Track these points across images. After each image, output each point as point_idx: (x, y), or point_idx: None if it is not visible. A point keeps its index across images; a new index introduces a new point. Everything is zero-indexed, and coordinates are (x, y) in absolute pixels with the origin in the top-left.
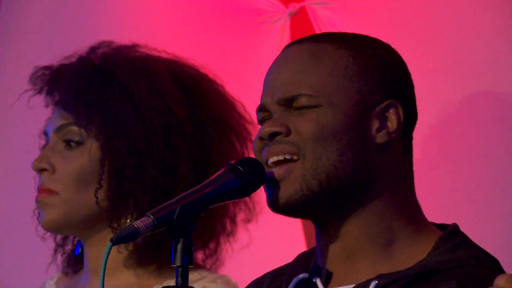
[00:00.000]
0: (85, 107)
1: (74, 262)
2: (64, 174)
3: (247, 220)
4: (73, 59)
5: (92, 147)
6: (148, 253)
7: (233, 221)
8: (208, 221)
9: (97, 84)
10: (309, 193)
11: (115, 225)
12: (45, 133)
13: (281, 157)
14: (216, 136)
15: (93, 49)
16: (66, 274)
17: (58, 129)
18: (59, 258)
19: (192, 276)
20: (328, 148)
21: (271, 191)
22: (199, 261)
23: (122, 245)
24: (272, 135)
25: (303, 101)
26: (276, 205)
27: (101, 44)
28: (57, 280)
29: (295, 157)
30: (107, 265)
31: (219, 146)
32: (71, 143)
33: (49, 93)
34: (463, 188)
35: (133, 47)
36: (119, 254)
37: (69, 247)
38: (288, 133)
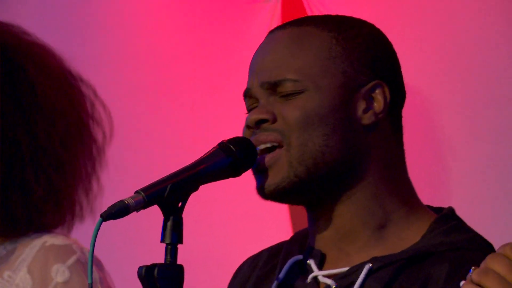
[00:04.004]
0: None
1: None
2: None
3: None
4: None
5: None
6: None
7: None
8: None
9: None
10: (296, 180)
11: None
12: None
13: (268, 145)
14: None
15: None
16: None
17: None
18: None
19: (40, 239)
20: (314, 133)
21: (260, 178)
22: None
23: None
24: (259, 123)
25: (288, 86)
26: (264, 192)
27: None
28: None
29: (280, 144)
30: None
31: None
32: None
33: None
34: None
35: None
36: None
37: None
38: (274, 120)
